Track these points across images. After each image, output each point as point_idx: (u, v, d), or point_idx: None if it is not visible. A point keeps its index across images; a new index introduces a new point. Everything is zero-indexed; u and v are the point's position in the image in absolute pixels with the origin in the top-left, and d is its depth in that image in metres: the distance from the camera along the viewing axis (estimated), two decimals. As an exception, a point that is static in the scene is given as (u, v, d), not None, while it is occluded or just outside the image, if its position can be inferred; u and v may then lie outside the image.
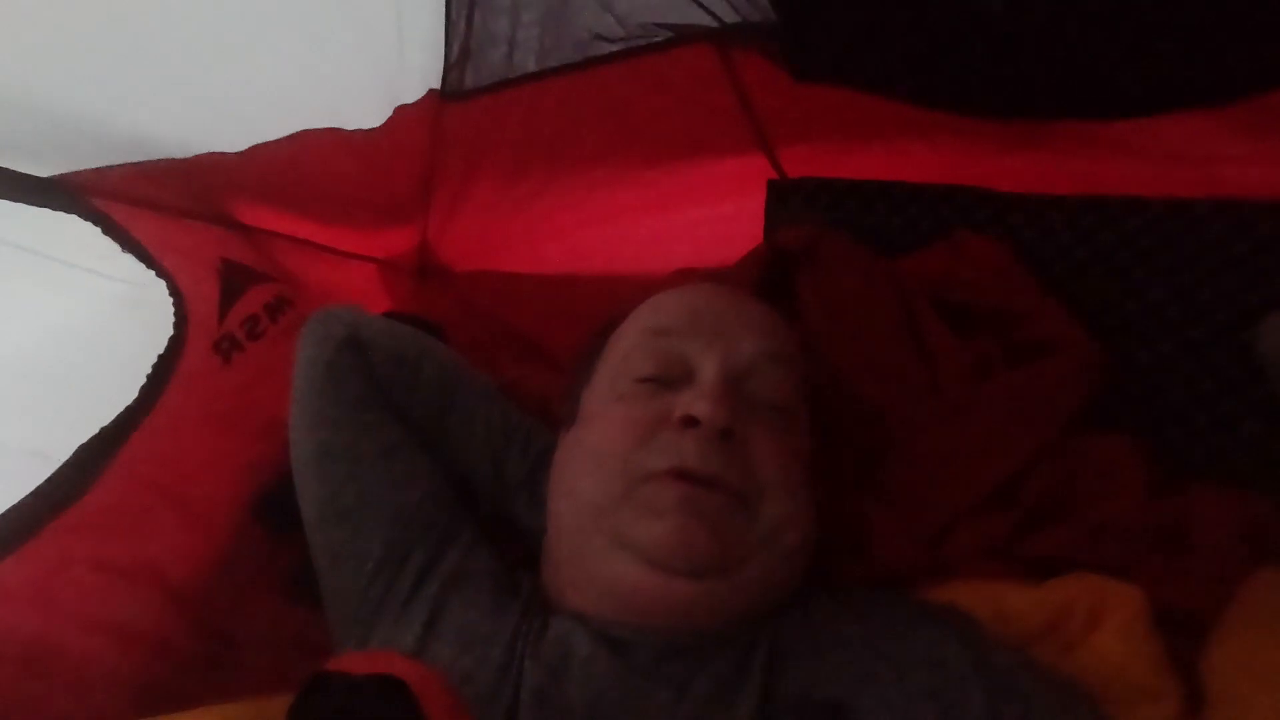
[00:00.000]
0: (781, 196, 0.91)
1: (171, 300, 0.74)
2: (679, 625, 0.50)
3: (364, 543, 0.60)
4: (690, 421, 0.52)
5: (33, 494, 0.61)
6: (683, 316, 0.59)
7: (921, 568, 0.61)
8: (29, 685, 0.59)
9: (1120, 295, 0.75)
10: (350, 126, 0.81)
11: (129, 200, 0.69)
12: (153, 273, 0.72)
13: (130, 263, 0.70)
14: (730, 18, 0.75)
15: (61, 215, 0.64)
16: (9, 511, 0.60)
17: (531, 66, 0.84)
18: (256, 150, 0.73)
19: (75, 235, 0.65)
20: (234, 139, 0.72)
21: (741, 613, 0.51)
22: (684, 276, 0.93)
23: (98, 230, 0.67)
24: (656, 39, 0.78)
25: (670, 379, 0.56)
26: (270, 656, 0.67)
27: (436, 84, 0.87)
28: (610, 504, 0.52)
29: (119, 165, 0.66)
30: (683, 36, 0.78)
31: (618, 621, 0.50)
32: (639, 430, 0.53)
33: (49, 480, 0.62)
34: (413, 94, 0.85)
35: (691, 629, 0.50)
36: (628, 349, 0.59)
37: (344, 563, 0.61)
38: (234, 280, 0.80)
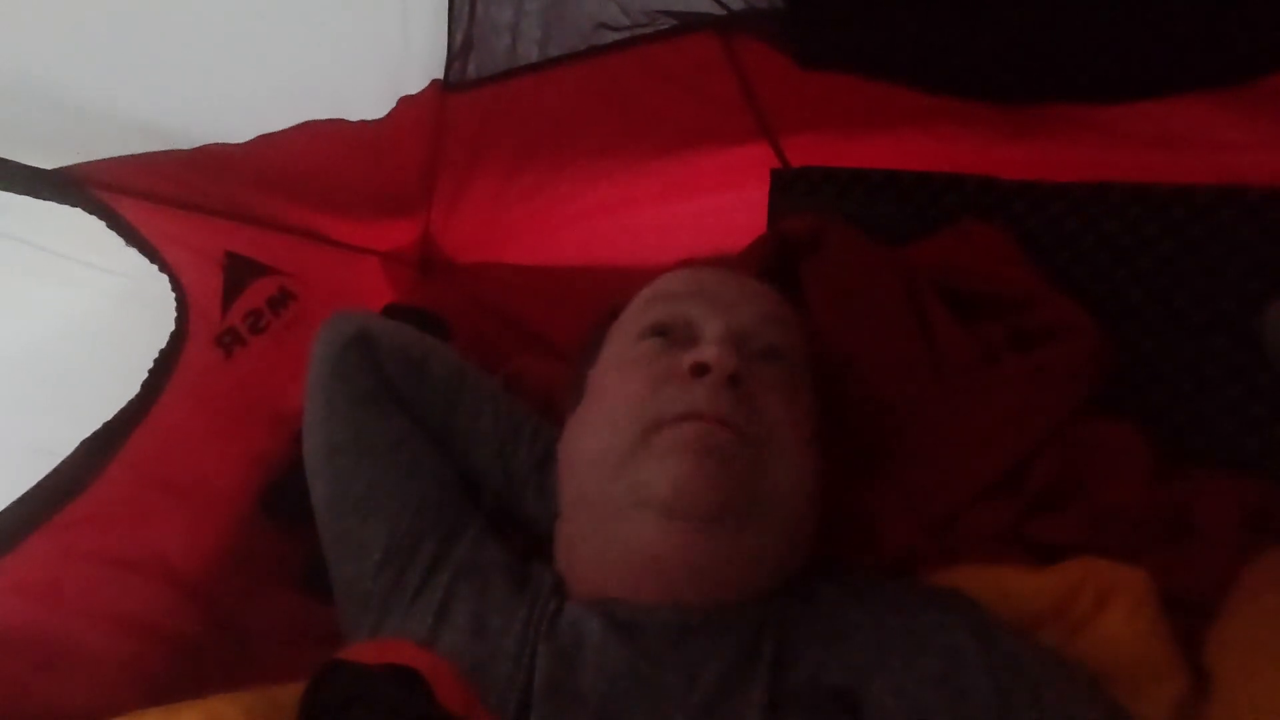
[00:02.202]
0: (785, 185, 0.91)
1: (174, 295, 0.74)
2: (692, 590, 0.50)
3: (373, 533, 0.61)
4: (699, 369, 0.52)
5: (37, 487, 0.61)
6: (686, 283, 0.61)
7: (928, 554, 0.62)
8: (38, 677, 0.59)
9: (1125, 282, 0.75)
10: (354, 117, 0.81)
11: (133, 193, 0.69)
12: (155, 267, 0.72)
13: (133, 257, 0.70)
14: (735, 5, 0.74)
15: (65, 209, 0.63)
16: (14, 505, 0.60)
17: (534, 56, 0.84)
18: (260, 141, 0.73)
19: (79, 229, 0.65)
20: (238, 130, 0.72)
21: (749, 581, 0.51)
22: (688, 266, 0.93)
23: (101, 224, 0.67)
24: (660, 27, 0.78)
25: (675, 338, 0.57)
26: (279, 647, 0.68)
27: (440, 74, 0.87)
28: (626, 456, 0.52)
29: (123, 157, 0.66)
30: (686, 25, 0.78)
31: (630, 602, 0.50)
32: (649, 383, 0.54)
33: (53, 474, 0.62)
34: (416, 84, 0.85)
35: (703, 598, 0.50)
36: (632, 317, 0.61)
37: (354, 553, 0.61)
38: (237, 274, 0.81)
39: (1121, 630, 0.51)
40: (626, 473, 0.51)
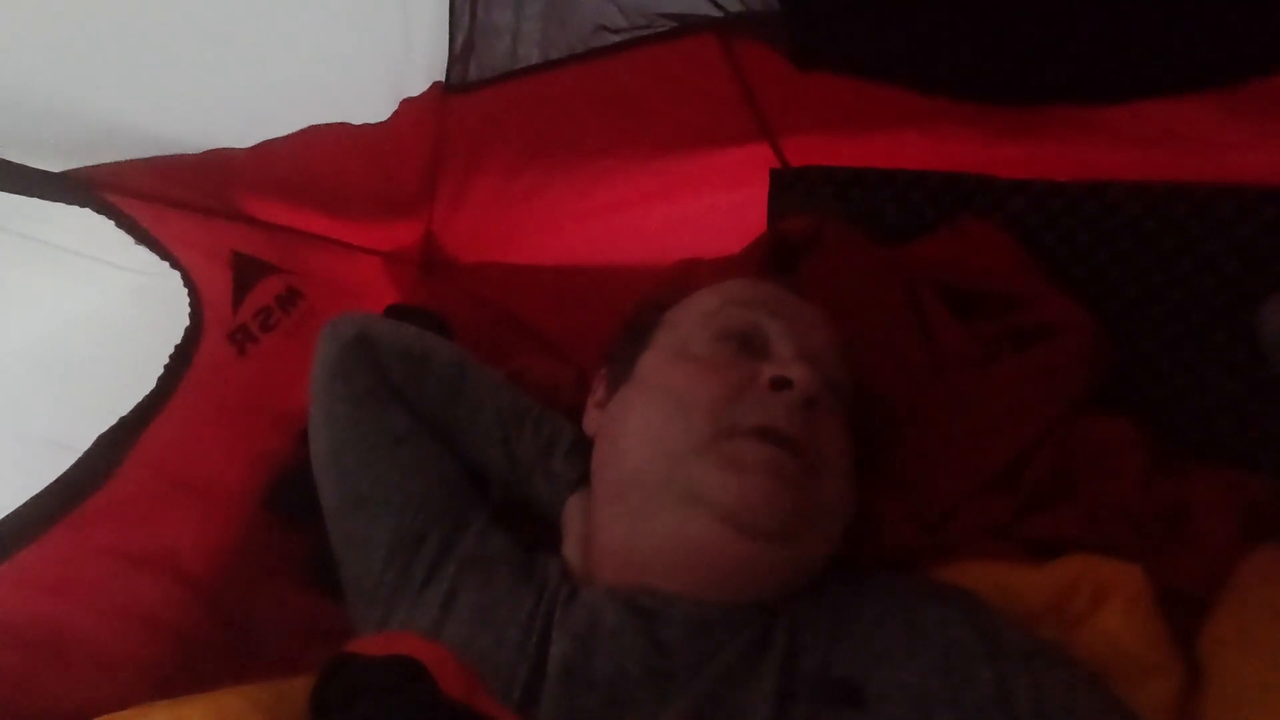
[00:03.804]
0: (784, 185, 0.91)
1: (186, 291, 0.74)
2: (720, 591, 0.51)
3: (379, 528, 0.62)
4: (782, 384, 0.53)
5: (54, 484, 0.62)
6: (759, 294, 0.62)
7: (926, 550, 0.62)
8: (49, 671, 0.60)
9: (1122, 280, 0.75)
10: (357, 120, 0.81)
11: (140, 195, 0.70)
12: (166, 264, 0.73)
13: (146, 254, 0.70)
14: (733, 7, 0.75)
15: (78, 209, 0.64)
16: (30, 501, 0.61)
17: (535, 58, 0.85)
18: (265, 146, 0.74)
19: (92, 228, 0.66)
20: (243, 134, 0.73)
21: (780, 585, 0.53)
22: (689, 266, 0.94)
23: (110, 223, 0.68)
24: (660, 29, 0.79)
25: (751, 349, 0.58)
26: (286, 643, 0.69)
27: (441, 76, 0.87)
28: (691, 452, 0.52)
29: (129, 161, 0.66)
30: (686, 26, 0.78)
31: (652, 590, 0.51)
32: (728, 385, 0.54)
33: (70, 470, 0.63)
34: (418, 87, 0.85)
35: (729, 597, 0.51)
36: (706, 312, 0.61)
37: (361, 548, 0.62)
38: (245, 272, 0.81)
39: (1118, 626, 0.52)
40: (689, 467, 0.52)
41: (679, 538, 0.51)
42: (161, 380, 0.70)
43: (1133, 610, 0.52)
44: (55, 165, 0.62)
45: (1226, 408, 0.70)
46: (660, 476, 0.52)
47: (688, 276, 0.91)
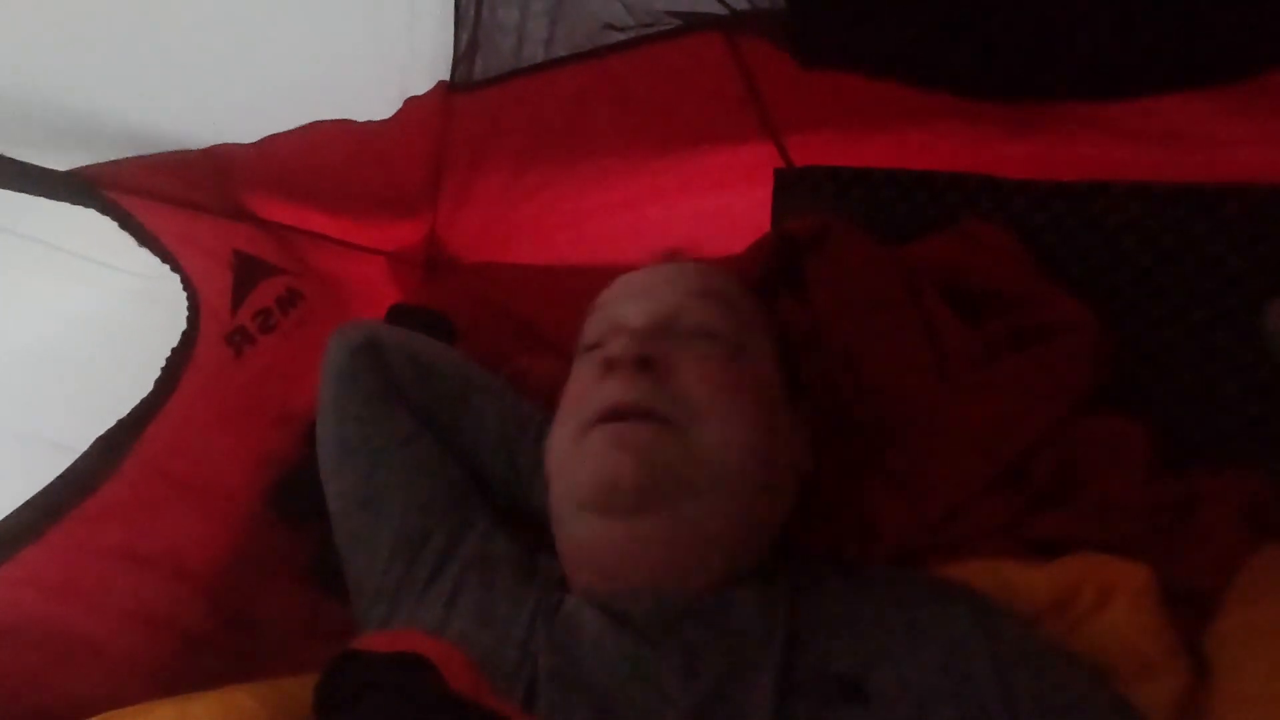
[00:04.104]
0: (789, 185, 0.91)
1: (185, 294, 0.74)
2: (656, 577, 0.51)
3: (385, 527, 0.62)
4: (610, 364, 0.54)
5: (54, 483, 0.62)
6: (618, 287, 0.63)
7: (929, 548, 0.62)
8: (54, 669, 0.60)
9: (1126, 280, 0.75)
10: (361, 118, 0.81)
11: (143, 193, 0.70)
12: (167, 266, 0.73)
13: (146, 256, 0.71)
14: (739, 5, 0.75)
15: (79, 209, 0.64)
16: (31, 500, 0.61)
17: (540, 56, 0.85)
18: (268, 141, 0.74)
19: (93, 229, 0.66)
20: (247, 130, 0.73)
21: (712, 560, 0.52)
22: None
23: (114, 224, 0.68)
24: (665, 27, 0.79)
25: (605, 343, 0.58)
26: (289, 642, 0.69)
27: (446, 75, 0.87)
28: (565, 466, 0.55)
29: (134, 158, 0.67)
30: (691, 25, 0.78)
31: (613, 592, 0.51)
32: (581, 390, 0.56)
33: (69, 470, 0.63)
34: (422, 85, 0.86)
35: (675, 583, 0.51)
36: (582, 328, 0.63)
37: (366, 548, 0.63)
38: (246, 273, 0.81)
39: (1123, 624, 0.51)
40: (566, 476, 0.54)
41: (581, 543, 0.53)
42: (158, 383, 0.70)
43: (1138, 608, 0.52)
44: (60, 162, 0.62)
45: (1230, 407, 0.70)
46: (559, 497, 0.55)
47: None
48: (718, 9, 0.75)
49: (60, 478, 0.62)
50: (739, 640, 0.48)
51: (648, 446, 0.50)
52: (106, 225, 0.67)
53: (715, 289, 0.61)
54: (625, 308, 0.60)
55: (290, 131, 0.75)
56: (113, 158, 0.65)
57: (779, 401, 0.59)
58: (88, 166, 0.64)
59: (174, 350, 0.73)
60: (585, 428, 0.53)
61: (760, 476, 0.54)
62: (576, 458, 0.53)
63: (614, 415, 0.52)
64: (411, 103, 0.85)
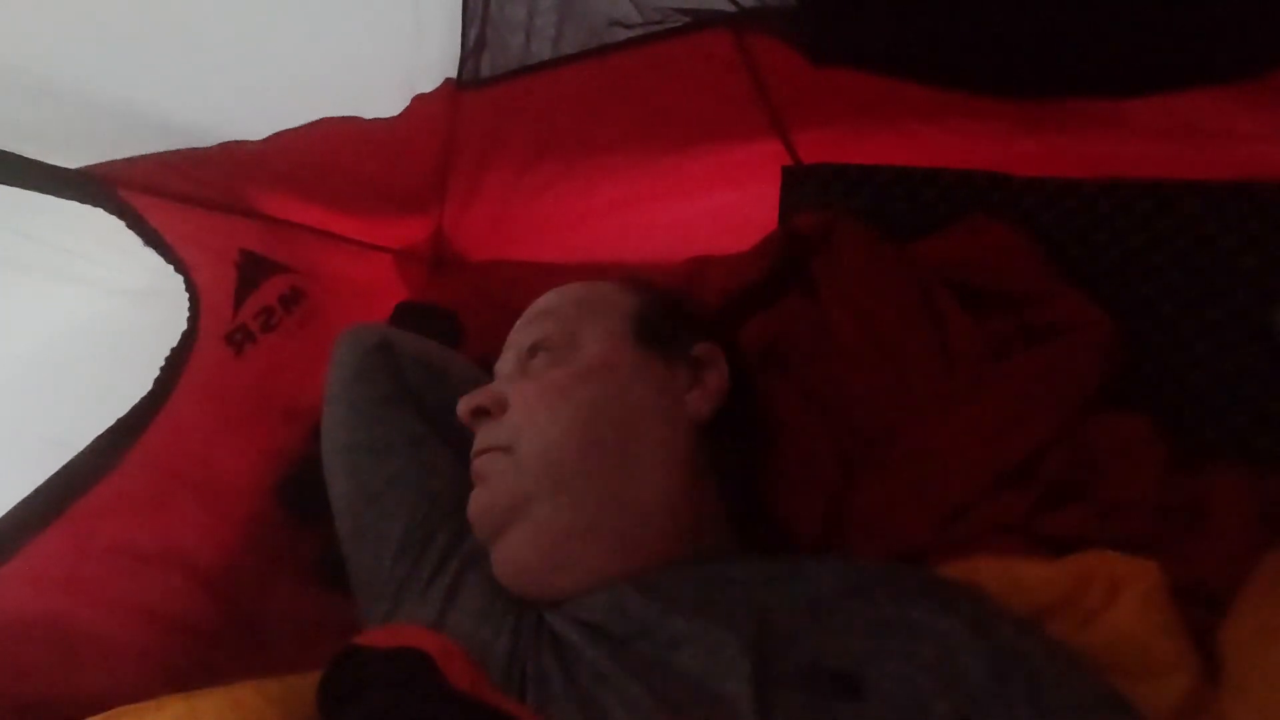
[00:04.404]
0: (797, 182, 0.91)
1: (187, 294, 0.75)
2: (561, 583, 0.54)
3: (391, 524, 0.63)
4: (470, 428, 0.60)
5: (53, 478, 0.63)
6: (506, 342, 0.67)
7: (939, 546, 0.62)
8: (59, 664, 0.60)
9: (1138, 278, 0.75)
10: (369, 115, 0.82)
11: (151, 191, 0.70)
12: (171, 266, 0.73)
13: (150, 256, 0.71)
14: (747, 2, 0.75)
15: (84, 210, 0.65)
16: (31, 496, 0.61)
17: (548, 54, 0.85)
18: (277, 138, 0.74)
19: (98, 229, 0.66)
20: (255, 127, 0.73)
21: (593, 543, 0.54)
22: (700, 263, 0.94)
23: (121, 224, 0.68)
24: (673, 25, 0.79)
25: None
26: (293, 637, 0.69)
27: (453, 72, 0.87)
28: None
29: (143, 155, 0.67)
30: (699, 22, 0.78)
31: (547, 603, 0.54)
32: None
33: (67, 466, 0.64)
34: (430, 82, 0.86)
35: (575, 582, 0.53)
36: None
37: (372, 544, 0.63)
38: (251, 271, 0.82)
39: (1132, 621, 0.51)
40: None
41: (498, 574, 0.56)
42: (158, 382, 0.71)
43: (1147, 605, 0.52)
44: (70, 160, 0.63)
45: (1243, 404, 0.69)
46: None
47: (699, 274, 0.91)
48: (726, 6, 0.75)
49: (59, 473, 0.63)
50: (705, 628, 0.48)
51: (487, 476, 0.57)
52: (113, 225, 0.68)
53: (541, 307, 0.65)
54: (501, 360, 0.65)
55: (298, 128, 0.75)
56: (122, 155, 0.66)
57: (628, 374, 0.59)
58: (97, 164, 0.64)
59: (173, 350, 0.74)
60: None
61: (601, 455, 0.56)
62: None
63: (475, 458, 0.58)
64: (419, 100, 0.85)
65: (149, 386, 0.71)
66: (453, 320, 0.97)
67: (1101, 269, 0.76)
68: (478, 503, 0.57)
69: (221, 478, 0.77)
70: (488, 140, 0.96)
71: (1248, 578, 0.54)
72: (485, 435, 0.58)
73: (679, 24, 0.78)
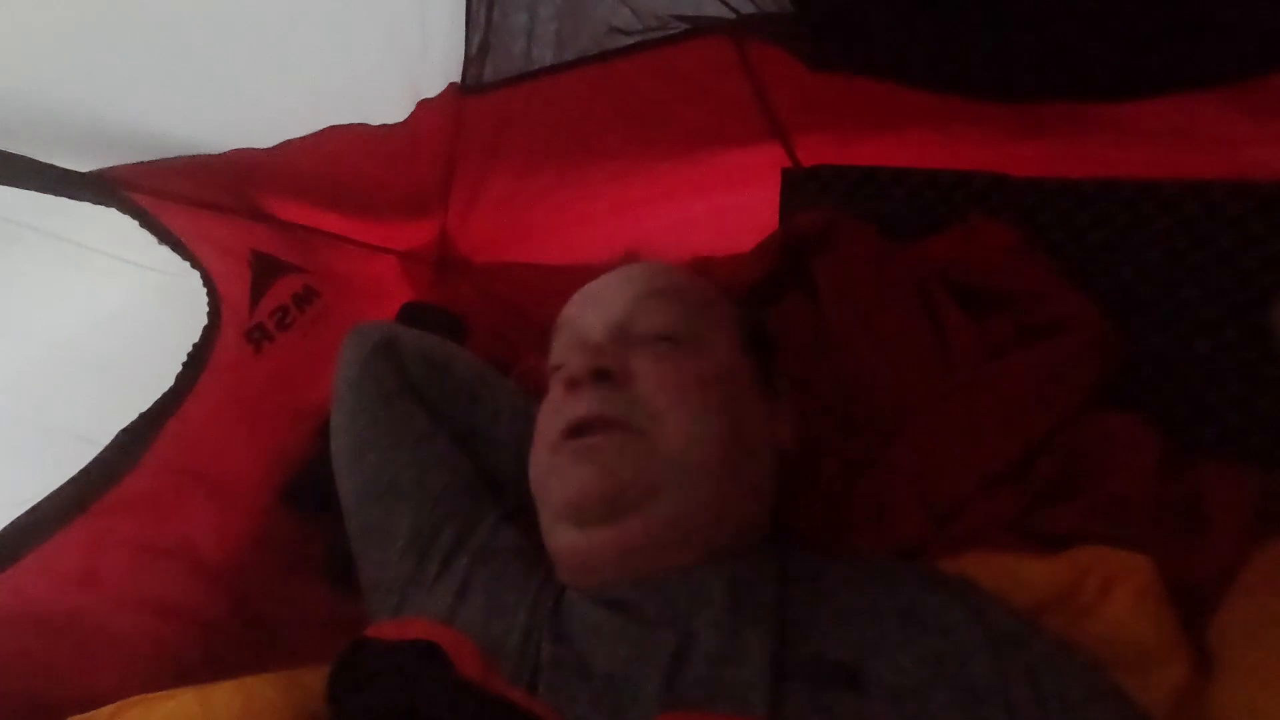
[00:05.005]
0: (796, 184, 0.92)
1: (205, 290, 0.76)
2: (637, 570, 0.52)
3: (398, 520, 0.63)
4: (571, 382, 0.56)
5: (77, 476, 0.64)
6: (575, 300, 0.65)
7: (935, 541, 0.62)
8: (74, 657, 0.61)
9: (1135, 277, 0.75)
10: (375, 121, 0.83)
11: (164, 194, 0.71)
12: (187, 263, 0.74)
13: (165, 253, 0.72)
14: (745, 9, 0.76)
15: (102, 209, 0.66)
16: (55, 493, 0.62)
17: (550, 60, 0.86)
18: (285, 146, 0.76)
19: (117, 228, 0.67)
20: (264, 135, 0.74)
21: (694, 540, 0.53)
22: (701, 265, 0.94)
23: (134, 223, 0.69)
24: (673, 31, 0.80)
25: (569, 360, 0.60)
26: (303, 633, 0.70)
27: (457, 78, 0.89)
28: (542, 481, 0.57)
29: (154, 160, 0.68)
30: (699, 28, 0.79)
31: (599, 586, 0.53)
32: (550, 409, 0.58)
33: (92, 463, 0.65)
34: (434, 88, 0.87)
35: (656, 570, 0.52)
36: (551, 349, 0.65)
37: (380, 541, 0.64)
38: (263, 272, 0.83)
39: (1126, 615, 0.52)
40: (543, 494, 0.57)
41: (560, 551, 0.55)
42: (179, 378, 0.72)
43: (1141, 599, 0.53)
44: (83, 164, 0.64)
45: (1239, 404, 0.69)
46: (540, 508, 0.58)
47: (700, 275, 0.92)
48: (724, 12, 0.76)
49: (83, 471, 0.64)
50: (733, 623, 0.49)
51: (610, 458, 0.53)
52: (128, 224, 0.69)
53: (665, 288, 0.62)
54: (582, 320, 0.62)
55: (306, 137, 0.77)
56: (134, 160, 0.67)
57: (746, 387, 0.60)
58: (110, 168, 0.66)
59: (195, 345, 0.74)
60: (555, 445, 0.55)
61: (728, 465, 0.55)
62: (550, 474, 0.56)
63: (578, 430, 0.54)
64: (424, 105, 0.86)
65: (168, 382, 0.72)
66: (457, 321, 0.99)
67: (1099, 268, 0.76)
68: (599, 484, 0.52)
69: (235, 475, 0.78)
70: (491, 144, 0.97)
71: (1238, 574, 0.55)
72: (603, 402, 0.54)
73: (678, 30, 0.79)
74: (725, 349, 0.60)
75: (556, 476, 0.55)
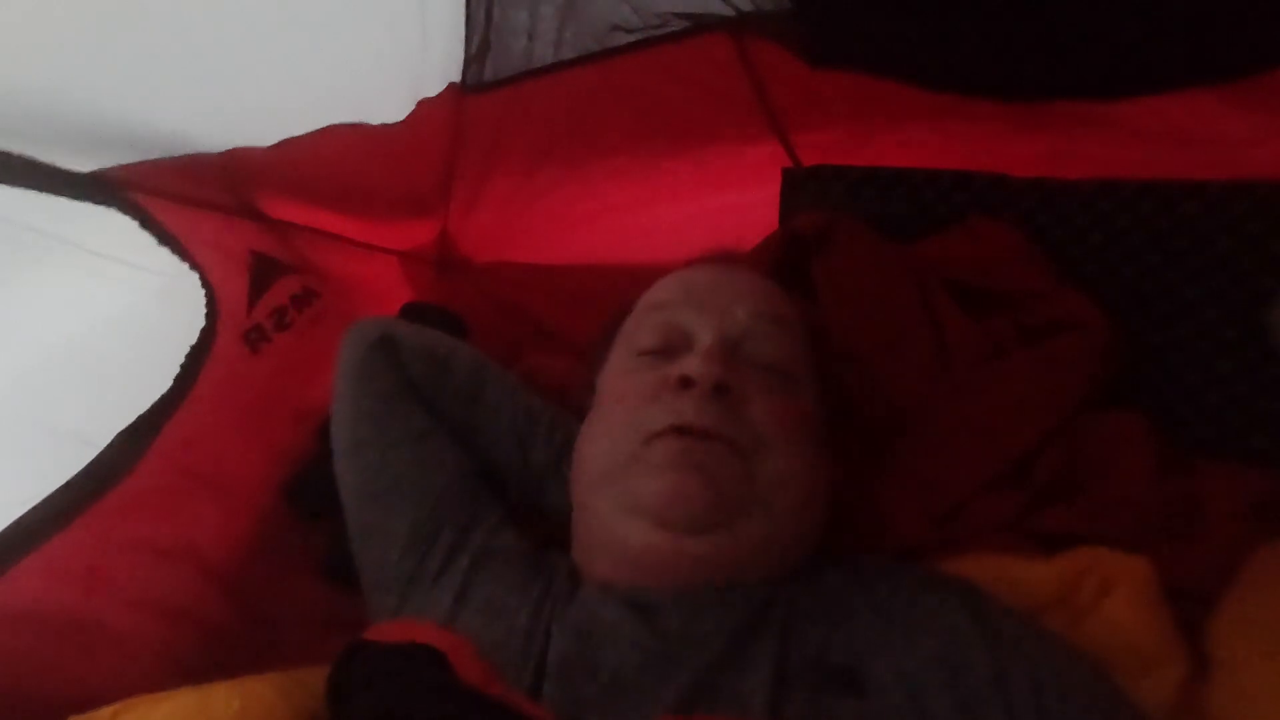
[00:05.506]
0: (796, 184, 0.92)
1: (203, 292, 0.76)
2: (691, 583, 0.52)
3: (398, 520, 0.63)
4: (686, 382, 0.54)
5: (77, 477, 0.64)
6: (679, 290, 0.63)
7: (934, 543, 0.62)
8: (75, 657, 0.61)
9: (1135, 277, 0.75)
10: (375, 120, 0.83)
11: (164, 194, 0.71)
12: (186, 265, 0.74)
13: (165, 255, 0.72)
14: (745, 6, 0.76)
15: (102, 209, 0.66)
16: (56, 493, 0.62)
17: (550, 58, 0.86)
18: (285, 145, 0.75)
19: (118, 229, 0.67)
20: (263, 135, 0.74)
21: (753, 569, 0.53)
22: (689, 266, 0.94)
23: (135, 224, 0.69)
24: (673, 29, 0.80)
25: (671, 349, 0.59)
26: (304, 633, 0.70)
27: (457, 77, 0.89)
28: (618, 468, 0.54)
29: (154, 160, 0.68)
30: (699, 26, 0.79)
31: (642, 586, 0.52)
32: (642, 396, 0.56)
33: (91, 464, 0.65)
34: (435, 87, 0.87)
35: (707, 585, 0.52)
36: (632, 327, 0.63)
37: (379, 539, 0.64)
38: (262, 272, 0.83)
39: (1124, 616, 0.52)
40: (621, 481, 0.54)
41: (628, 546, 0.53)
42: (177, 380, 0.72)
43: (1139, 601, 0.53)
44: (83, 165, 0.64)
45: (1238, 405, 0.70)
46: (604, 497, 0.55)
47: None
48: (724, 10, 0.76)
49: (83, 471, 0.64)
50: (742, 631, 0.49)
51: (719, 471, 0.52)
52: (128, 225, 0.69)
53: (783, 317, 0.62)
54: (690, 317, 0.60)
55: (306, 136, 0.76)
56: (133, 159, 0.67)
57: (821, 428, 0.60)
58: (110, 168, 0.66)
59: (193, 347, 0.74)
60: (648, 436, 0.53)
61: (807, 505, 0.56)
62: (635, 464, 0.54)
63: (685, 432, 0.53)
64: (424, 104, 0.86)
65: (168, 383, 0.71)
66: (458, 321, 0.98)
67: (1099, 268, 0.76)
68: (702, 494, 0.51)
69: (235, 475, 0.77)
70: (491, 143, 0.97)
71: (1237, 575, 0.55)
72: (720, 417, 0.53)
73: (678, 28, 0.79)
74: (811, 387, 0.60)
75: (647, 470, 0.53)
